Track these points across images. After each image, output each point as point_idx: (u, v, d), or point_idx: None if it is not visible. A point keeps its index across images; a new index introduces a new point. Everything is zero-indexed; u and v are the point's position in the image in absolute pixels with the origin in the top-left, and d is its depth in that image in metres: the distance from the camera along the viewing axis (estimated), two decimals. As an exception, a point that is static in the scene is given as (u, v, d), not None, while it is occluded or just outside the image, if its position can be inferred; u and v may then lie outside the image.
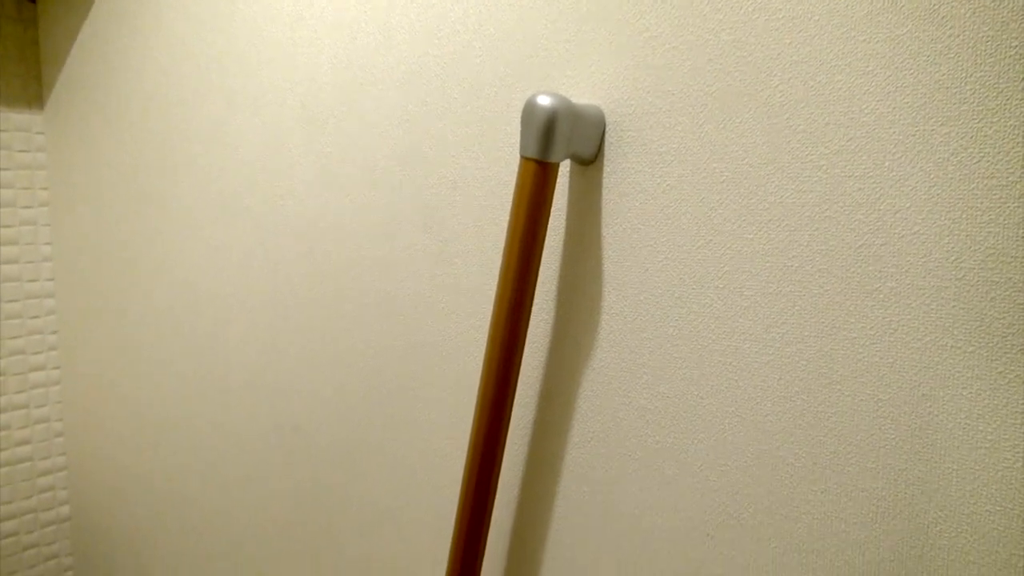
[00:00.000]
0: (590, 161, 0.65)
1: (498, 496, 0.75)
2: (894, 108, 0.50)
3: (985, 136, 0.47)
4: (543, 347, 0.71)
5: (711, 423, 0.61)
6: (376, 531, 0.90)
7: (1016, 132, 0.47)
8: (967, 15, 0.47)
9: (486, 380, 0.67)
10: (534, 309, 0.71)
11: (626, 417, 0.66)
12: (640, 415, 0.65)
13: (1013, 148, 0.47)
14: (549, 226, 0.68)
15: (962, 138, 0.48)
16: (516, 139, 0.70)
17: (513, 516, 0.76)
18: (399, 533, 0.87)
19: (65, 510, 1.42)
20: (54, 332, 1.37)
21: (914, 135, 0.50)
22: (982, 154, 0.48)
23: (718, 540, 0.61)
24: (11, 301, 1.31)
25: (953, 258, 0.49)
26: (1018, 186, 0.47)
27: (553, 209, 0.68)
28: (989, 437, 0.49)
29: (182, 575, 1.19)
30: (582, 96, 0.66)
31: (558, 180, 0.67)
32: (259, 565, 1.06)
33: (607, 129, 0.64)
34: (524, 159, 0.62)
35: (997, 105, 0.47)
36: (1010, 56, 0.46)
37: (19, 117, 1.29)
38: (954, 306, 0.49)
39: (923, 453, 0.51)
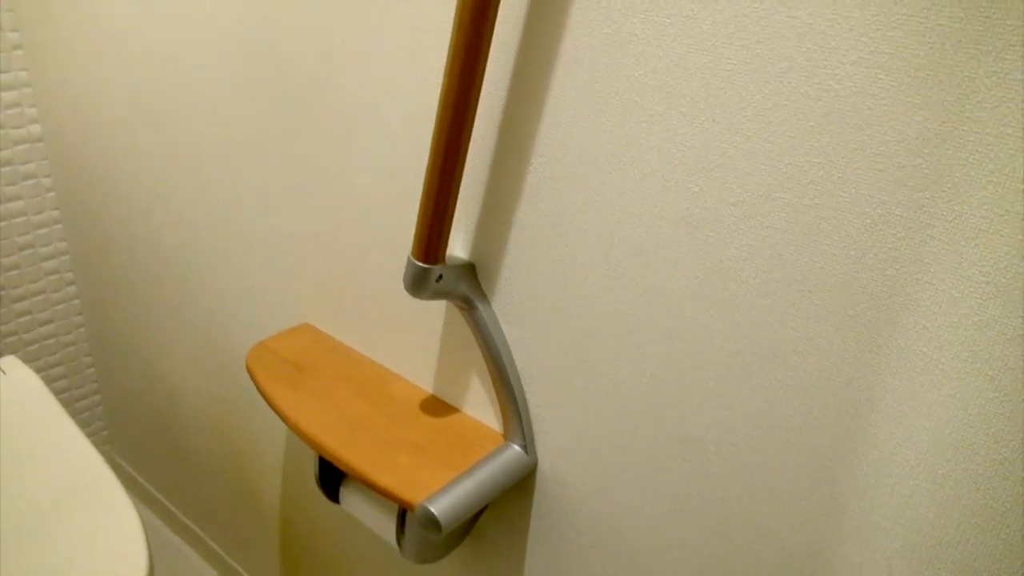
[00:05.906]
0: None
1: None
2: None
3: None
4: None
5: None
6: (352, 132, 0.83)
7: None
8: None
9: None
10: None
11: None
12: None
13: None
14: None
15: None
16: None
17: (505, 96, 0.69)
18: (377, 129, 0.81)
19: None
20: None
21: None
22: None
23: (736, 84, 0.55)
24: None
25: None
26: None
27: None
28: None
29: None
30: None
31: None
32: (232, 168, 1.03)
33: None
34: None
35: None
36: None
37: None
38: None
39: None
